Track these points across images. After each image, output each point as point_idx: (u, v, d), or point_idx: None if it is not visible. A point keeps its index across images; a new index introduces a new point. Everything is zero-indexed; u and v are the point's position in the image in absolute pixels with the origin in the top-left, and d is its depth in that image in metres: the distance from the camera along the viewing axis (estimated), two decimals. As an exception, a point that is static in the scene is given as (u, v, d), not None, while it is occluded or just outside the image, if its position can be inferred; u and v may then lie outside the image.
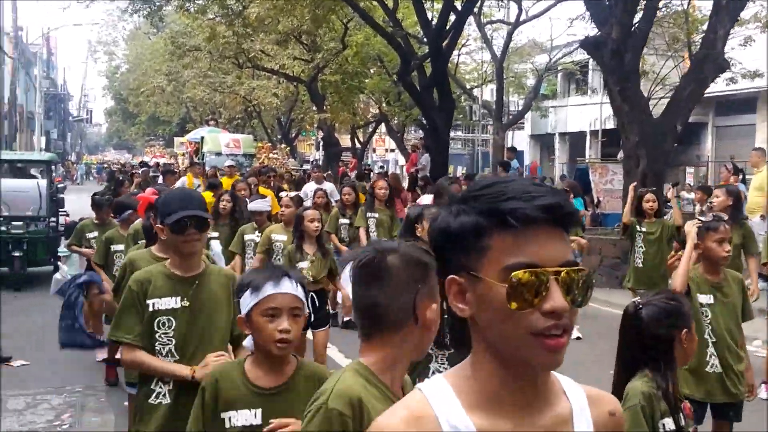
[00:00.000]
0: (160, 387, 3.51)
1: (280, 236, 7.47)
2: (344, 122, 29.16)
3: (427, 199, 8.45)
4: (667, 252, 7.95)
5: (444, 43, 17.81)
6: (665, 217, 8.87)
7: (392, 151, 57.82)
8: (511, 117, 31.46)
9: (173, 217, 3.42)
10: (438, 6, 23.33)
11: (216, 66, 31.69)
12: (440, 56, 17.70)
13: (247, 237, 8.13)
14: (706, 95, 16.74)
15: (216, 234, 8.03)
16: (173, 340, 3.50)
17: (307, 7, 22.13)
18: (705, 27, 18.95)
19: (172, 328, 3.47)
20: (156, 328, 3.48)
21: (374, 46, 25.73)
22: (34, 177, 14.72)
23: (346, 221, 10.07)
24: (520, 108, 36.25)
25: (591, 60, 37.61)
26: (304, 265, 6.54)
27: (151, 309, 3.47)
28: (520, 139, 44.48)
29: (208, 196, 8.91)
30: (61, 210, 14.16)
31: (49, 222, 13.16)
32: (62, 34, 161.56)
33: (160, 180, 19.11)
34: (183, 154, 38.15)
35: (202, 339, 3.50)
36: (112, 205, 7.83)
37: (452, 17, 18.00)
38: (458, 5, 18.85)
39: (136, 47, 57.34)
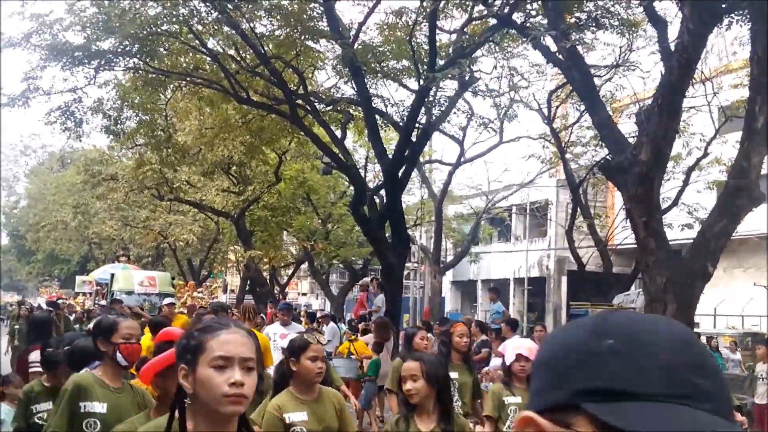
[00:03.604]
0: None
1: (297, 415, 4.43)
2: (276, 259, 27.31)
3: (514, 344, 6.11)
4: None
5: (399, 173, 16.50)
6: None
7: (304, 294, 55.93)
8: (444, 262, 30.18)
9: None
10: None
11: (130, 199, 29.67)
12: (396, 187, 16.34)
13: None
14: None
15: None
16: None
17: (240, 136, 20.72)
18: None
19: None
20: None
21: (311, 179, 24.45)
22: None
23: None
24: (449, 252, 35.35)
25: (514, 206, 37.59)
26: None
27: None
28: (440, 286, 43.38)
29: (147, 341, 6.63)
30: None
31: None
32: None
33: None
34: (85, 295, 35.23)
35: None
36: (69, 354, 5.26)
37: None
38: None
39: (39, 182, 54.79)
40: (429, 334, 14.15)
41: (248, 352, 2.27)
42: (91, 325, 12.79)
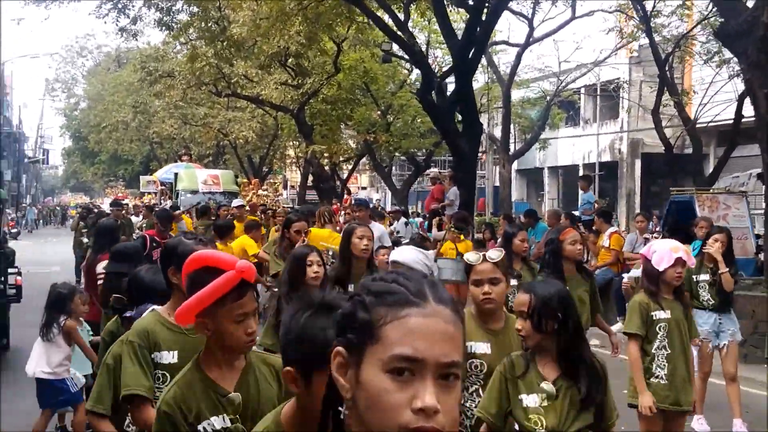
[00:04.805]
0: None
1: (480, 346, 3.93)
2: (339, 153, 26.59)
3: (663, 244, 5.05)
4: None
5: (470, 55, 15.34)
6: None
7: (364, 188, 55.38)
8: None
9: None
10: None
11: (188, 97, 29.04)
12: (466, 70, 15.21)
13: None
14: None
15: None
16: None
17: (297, 25, 19.65)
18: None
19: None
20: None
21: (371, 68, 23.38)
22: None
23: (513, 282, 6.18)
24: (517, 138, 33.99)
25: (583, 87, 35.68)
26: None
27: None
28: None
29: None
30: (10, 270, 10.10)
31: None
32: (18, 70, 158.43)
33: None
34: (151, 195, 35.17)
35: None
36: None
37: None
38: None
39: (97, 83, 54.69)
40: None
41: (452, 351, 1.33)
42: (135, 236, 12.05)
